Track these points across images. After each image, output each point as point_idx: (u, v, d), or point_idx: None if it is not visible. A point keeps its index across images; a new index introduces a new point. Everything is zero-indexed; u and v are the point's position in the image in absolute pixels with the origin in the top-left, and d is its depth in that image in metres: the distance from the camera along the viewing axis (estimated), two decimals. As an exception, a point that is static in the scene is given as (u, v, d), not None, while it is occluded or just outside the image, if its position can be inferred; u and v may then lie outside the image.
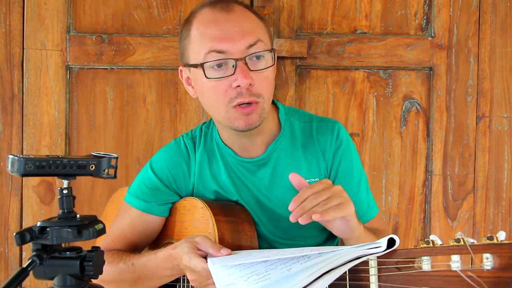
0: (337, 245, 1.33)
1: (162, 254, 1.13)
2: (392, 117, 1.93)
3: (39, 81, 1.89)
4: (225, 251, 1.04)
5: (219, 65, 1.14)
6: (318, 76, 1.93)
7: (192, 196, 1.29)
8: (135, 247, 1.30)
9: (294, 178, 1.08)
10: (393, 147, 1.93)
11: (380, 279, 0.90)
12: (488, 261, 0.79)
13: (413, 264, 0.87)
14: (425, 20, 1.92)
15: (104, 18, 1.91)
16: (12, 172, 0.78)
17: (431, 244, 0.84)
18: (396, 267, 0.88)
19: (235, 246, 1.16)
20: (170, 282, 1.20)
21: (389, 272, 0.89)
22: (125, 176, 1.90)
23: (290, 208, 1.00)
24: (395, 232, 1.92)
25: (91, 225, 0.81)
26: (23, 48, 1.90)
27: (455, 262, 0.82)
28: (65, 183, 0.81)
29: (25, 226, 1.85)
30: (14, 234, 0.77)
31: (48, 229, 0.78)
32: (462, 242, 0.81)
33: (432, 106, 1.91)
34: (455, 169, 1.92)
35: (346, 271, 0.91)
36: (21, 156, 0.77)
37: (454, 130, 1.91)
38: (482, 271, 0.80)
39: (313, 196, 1.01)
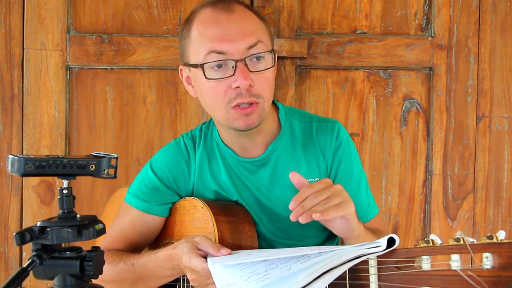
0: (337, 244, 1.33)
1: (162, 254, 1.13)
2: (392, 117, 1.93)
3: (39, 81, 1.89)
4: (225, 251, 1.04)
5: (219, 66, 1.14)
6: (318, 76, 1.93)
7: (192, 196, 1.29)
8: (135, 247, 1.30)
9: (294, 177, 1.08)
10: (393, 147, 1.94)
11: (380, 278, 0.90)
12: (488, 260, 0.80)
13: (413, 263, 0.87)
14: (425, 20, 1.92)
15: (104, 18, 1.91)
16: (12, 172, 0.78)
17: (431, 244, 0.84)
18: (396, 267, 0.88)
19: (235, 246, 1.16)
20: (170, 282, 1.20)
21: (389, 271, 0.89)
22: (125, 176, 1.90)
23: (290, 207, 1.00)
24: (395, 232, 1.92)
25: (91, 225, 0.81)
26: (23, 48, 1.90)
27: (455, 262, 0.82)
28: (65, 183, 0.81)
29: (25, 226, 1.85)
30: (14, 234, 0.77)
31: (48, 229, 0.78)
32: (462, 242, 0.81)
33: (432, 106, 1.91)
34: (455, 169, 1.92)
35: (346, 271, 0.91)
36: (21, 156, 0.77)
37: (454, 130, 1.91)
38: (482, 270, 0.80)
39: (313, 195, 1.01)
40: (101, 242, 1.31)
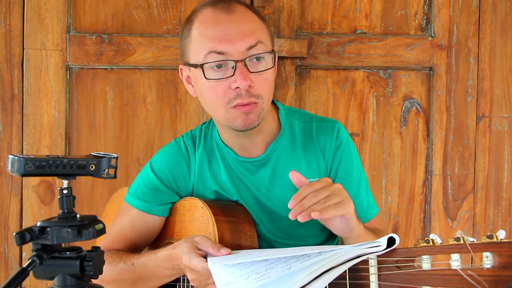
0: (337, 244, 1.33)
1: (162, 254, 1.13)
2: (392, 117, 1.93)
3: (39, 81, 1.89)
4: (225, 250, 1.04)
5: (219, 66, 1.14)
6: (318, 76, 1.93)
7: (192, 196, 1.29)
8: (135, 247, 1.30)
9: (294, 176, 1.08)
10: (393, 147, 1.94)
11: (380, 278, 0.90)
12: (488, 260, 0.80)
13: (413, 263, 0.87)
14: (425, 20, 1.92)
15: (104, 18, 1.91)
16: (12, 172, 0.78)
17: (431, 243, 0.84)
18: (396, 266, 0.88)
19: (235, 246, 1.16)
20: (170, 282, 1.20)
21: (389, 271, 0.89)
22: (125, 176, 1.90)
23: (289, 205, 1.00)
24: (395, 232, 1.92)
25: (91, 225, 0.81)
26: (23, 48, 1.90)
27: (455, 261, 0.82)
28: (65, 183, 0.81)
29: (25, 226, 1.85)
30: (14, 234, 0.77)
31: (48, 229, 0.78)
32: (462, 241, 0.81)
33: (432, 106, 1.91)
34: (455, 169, 1.92)
35: (346, 270, 0.91)
36: (21, 156, 0.77)
37: (454, 130, 1.91)
38: (482, 269, 0.80)
39: (313, 194, 1.01)
40: (101, 242, 1.31)
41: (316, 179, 1.26)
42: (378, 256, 0.90)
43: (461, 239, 0.82)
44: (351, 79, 1.92)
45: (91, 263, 0.80)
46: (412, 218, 1.94)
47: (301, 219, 0.97)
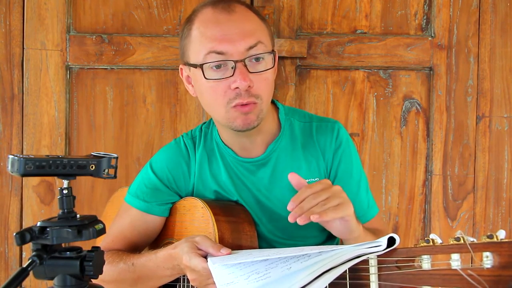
0: (337, 244, 1.33)
1: (162, 254, 1.13)
2: (392, 117, 1.93)
3: (39, 81, 1.89)
4: (225, 250, 1.04)
5: (218, 66, 1.14)
6: (318, 76, 1.93)
7: (192, 196, 1.29)
8: (135, 247, 1.30)
9: (293, 178, 1.07)
10: (393, 147, 1.94)
11: (380, 278, 0.90)
12: (488, 260, 0.79)
13: (413, 263, 0.87)
14: (425, 20, 1.92)
15: (104, 18, 1.91)
16: (12, 172, 0.78)
17: (431, 243, 0.84)
18: (396, 266, 0.88)
19: (235, 246, 1.16)
20: (170, 282, 1.20)
21: (389, 271, 0.89)
22: (125, 176, 1.90)
23: (288, 208, 1.00)
24: (395, 232, 1.92)
25: (91, 225, 0.81)
26: (23, 48, 1.90)
27: (455, 261, 0.82)
28: (65, 183, 0.81)
29: (25, 226, 1.85)
30: (14, 234, 0.77)
31: (48, 229, 0.78)
32: (462, 241, 0.81)
33: (432, 106, 1.91)
34: (455, 169, 1.92)
35: (346, 270, 0.91)
36: (21, 156, 0.77)
37: (454, 130, 1.91)
38: (482, 269, 0.80)
39: (312, 196, 1.00)
40: (101, 242, 1.31)
41: (316, 179, 1.26)
42: (378, 256, 0.90)
43: (461, 239, 0.82)
44: (351, 79, 1.92)
45: (91, 263, 0.80)
46: (412, 218, 1.94)
47: (300, 221, 0.97)
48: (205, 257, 1.04)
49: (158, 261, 1.14)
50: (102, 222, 0.83)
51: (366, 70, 1.92)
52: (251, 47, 1.13)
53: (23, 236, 0.76)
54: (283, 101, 1.85)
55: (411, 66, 1.91)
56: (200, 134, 1.33)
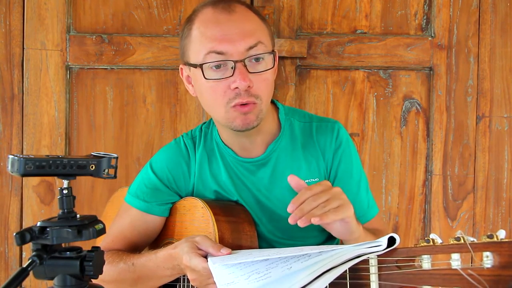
0: (337, 244, 1.33)
1: (162, 254, 1.13)
2: (392, 117, 1.93)
3: (39, 81, 1.89)
4: (225, 250, 1.04)
5: (218, 66, 1.14)
6: (318, 76, 1.93)
7: (192, 196, 1.29)
8: (135, 247, 1.30)
9: (293, 180, 1.07)
10: (393, 147, 1.94)
11: (380, 277, 0.90)
12: (488, 259, 0.80)
13: (414, 262, 0.87)
14: (425, 20, 1.92)
15: (104, 18, 1.91)
16: (12, 172, 0.78)
17: (431, 243, 0.84)
18: (397, 266, 0.88)
19: (235, 246, 1.16)
20: (170, 282, 1.20)
21: (390, 270, 0.89)
22: (125, 176, 1.90)
23: (288, 209, 1.00)
24: (395, 232, 1.92)
25: (91, 225, 0.81)
26: (23, 48, 1.90)
27: (455, 261, 0.82)
28: (65, 183, 0.81)
29: (25, 226, 1.85)
30: (14, 234, 0.77)
31: (48, 229, 0.78)
32: (462, 241, 0.81)
33: (432, 106, 1.91)
34: (455, 169, 1.92)
35: (346, 270, 0.91)
36: (21, 156, 0.77)
37: (454, 130, 1.91)
38: (482, 269, 0.80)
39: (312, 198, 1.00)
40: (101, 242, 1.31)
41: (316, 179, 1.26)
42: (378, 256, 0.90)
43: (461, 238, 0.82)
44: (351, 79, 1.92)
45: (91, 263, 0.80)
46: (412, 218, 1.94)
47: (301, 224, 0.97)
48: (205, 257, 1.04)
49: (158, 261, 1.14)
50: (102, 222, 0.83)
51: (366, 70, 1.92)
52: (251, 47, 1.13)
53: (23, 236, 0.76)
54: (283, 101, 1.85)
55: (411, 66, 1.91)
56: (200, 134, 1.33)
